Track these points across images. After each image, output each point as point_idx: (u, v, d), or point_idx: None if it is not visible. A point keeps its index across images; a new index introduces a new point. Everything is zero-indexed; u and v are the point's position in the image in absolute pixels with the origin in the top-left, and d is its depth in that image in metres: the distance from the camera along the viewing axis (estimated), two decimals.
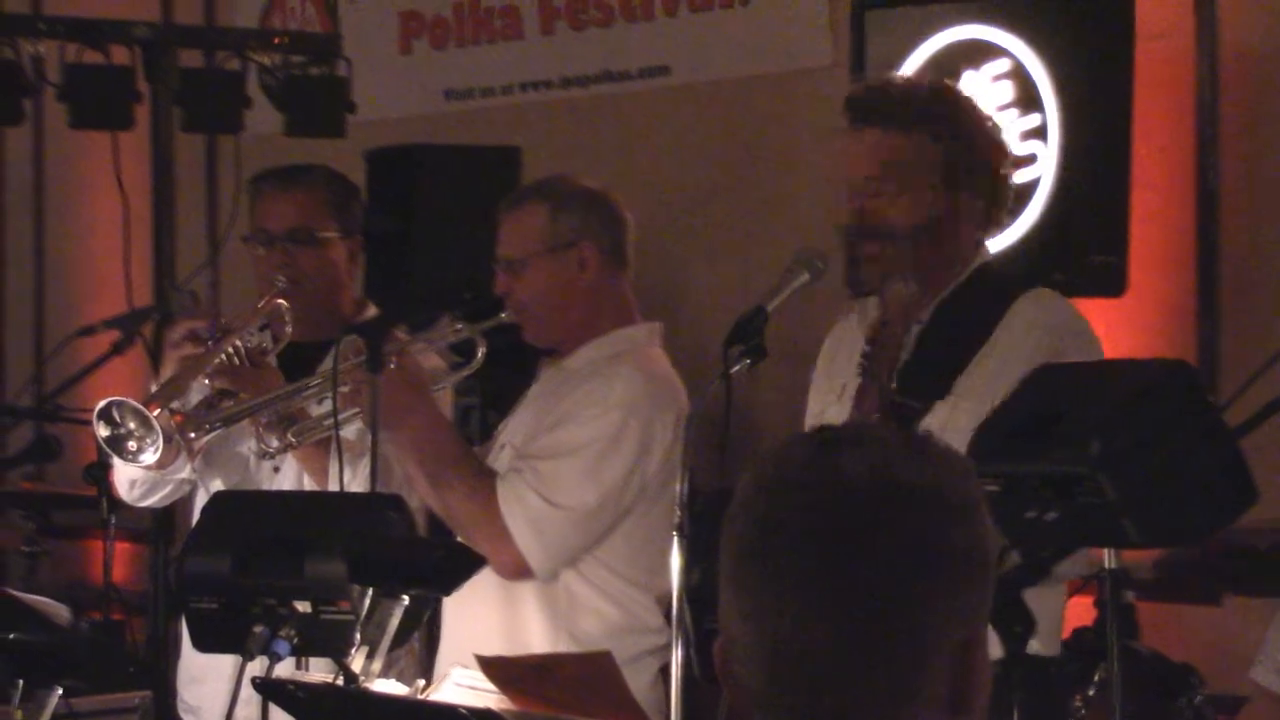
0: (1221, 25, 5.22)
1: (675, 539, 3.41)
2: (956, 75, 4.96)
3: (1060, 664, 3.62)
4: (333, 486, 3.98)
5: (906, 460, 1.83)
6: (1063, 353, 3.48)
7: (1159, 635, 4.57)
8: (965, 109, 3.70)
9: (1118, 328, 5.13)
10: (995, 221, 3.71)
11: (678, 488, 3.44)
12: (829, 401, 3.74)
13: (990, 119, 3.75)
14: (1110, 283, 4.85)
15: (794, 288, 3.63)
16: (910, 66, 5.11)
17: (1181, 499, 2.91)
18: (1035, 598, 3.27)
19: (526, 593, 4.05)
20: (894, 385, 3.63)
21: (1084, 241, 4.94)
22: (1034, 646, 3.45)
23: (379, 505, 3.50)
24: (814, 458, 1.83)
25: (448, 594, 3.45)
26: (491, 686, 3.31)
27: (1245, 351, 4.90)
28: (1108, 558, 3.69)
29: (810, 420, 3.79)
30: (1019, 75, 4.99)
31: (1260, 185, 5.20)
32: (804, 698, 1.79)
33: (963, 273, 3.67)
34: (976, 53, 5.05)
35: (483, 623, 4.04)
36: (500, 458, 4.15)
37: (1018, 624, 2.73)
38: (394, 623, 3.17)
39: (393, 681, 3.32)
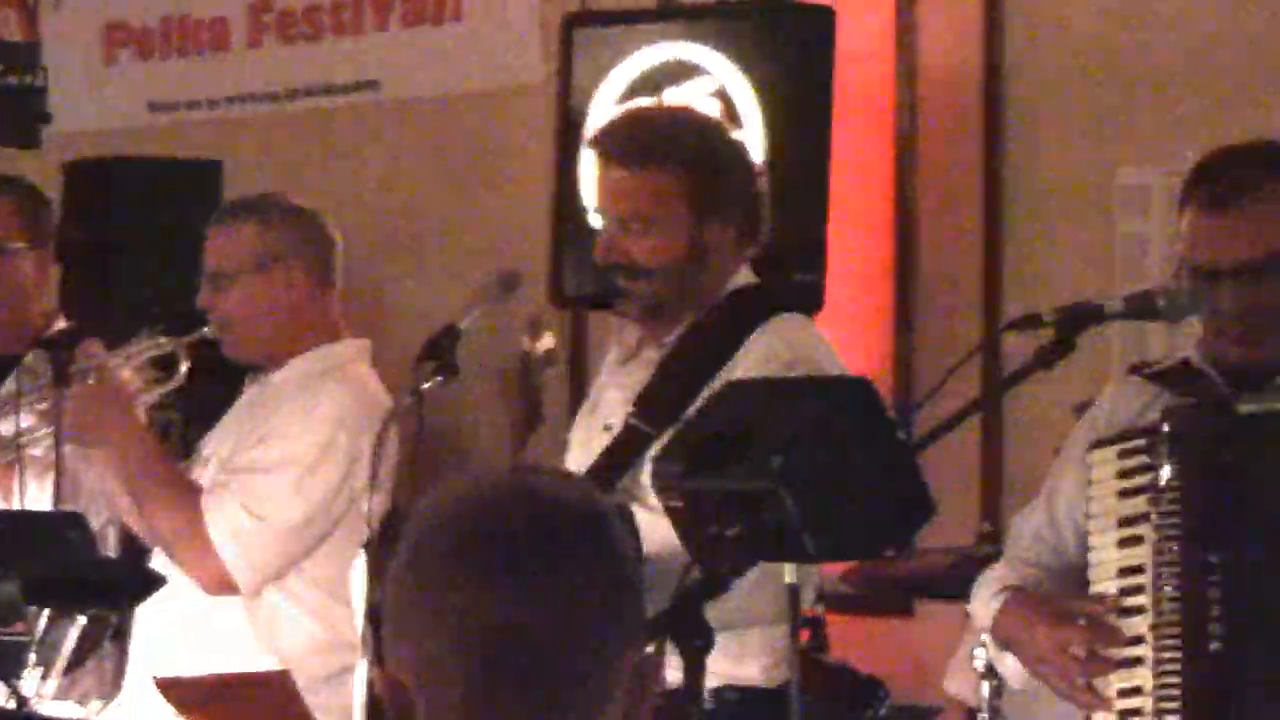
0: (921, 47, 5.33)
1: (364, 555, 3.39)
2: (660, 93, 5.00)
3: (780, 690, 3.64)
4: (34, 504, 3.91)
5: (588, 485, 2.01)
6: None
7: (852, 647, 4.65)
8: (711, 137, 3.70)
9: None
10: (753, 241, 3.70)
11: (366, 504, 3.42)
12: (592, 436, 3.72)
13: (736, 141, 3.76)
14: (810, 299, 4.91)
15: (488, 306, 3.63)
16: (616, 84, 5.14)
17: (860, 514, 2.95)
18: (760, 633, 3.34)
19: (228, 608, 4.00)
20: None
21: (784, 259, 4.99)
22: (755, 676, 3.50)
23: (58, 524, 3.44)
24: (512, 478, 1.92)
25: (126, 612, 3.39)
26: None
27: (940, 366, 5.01)
28: (788, 573, 3.74)
29: (570, 454, 3.74)
30: (722, 94, 5.04)
31: (956, 204, 5.32)
32: (511, 701, 1.84)
33: (715, 297, 3.66)
34: (681, 71, 5.09)
35: (180, 639, 3.98)
36: (204, 473, 4.11)
37: (697, 638, 2.75)
38: (69, 643, 3.11)
39: (69, 703, 3.26)
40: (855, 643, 4.88)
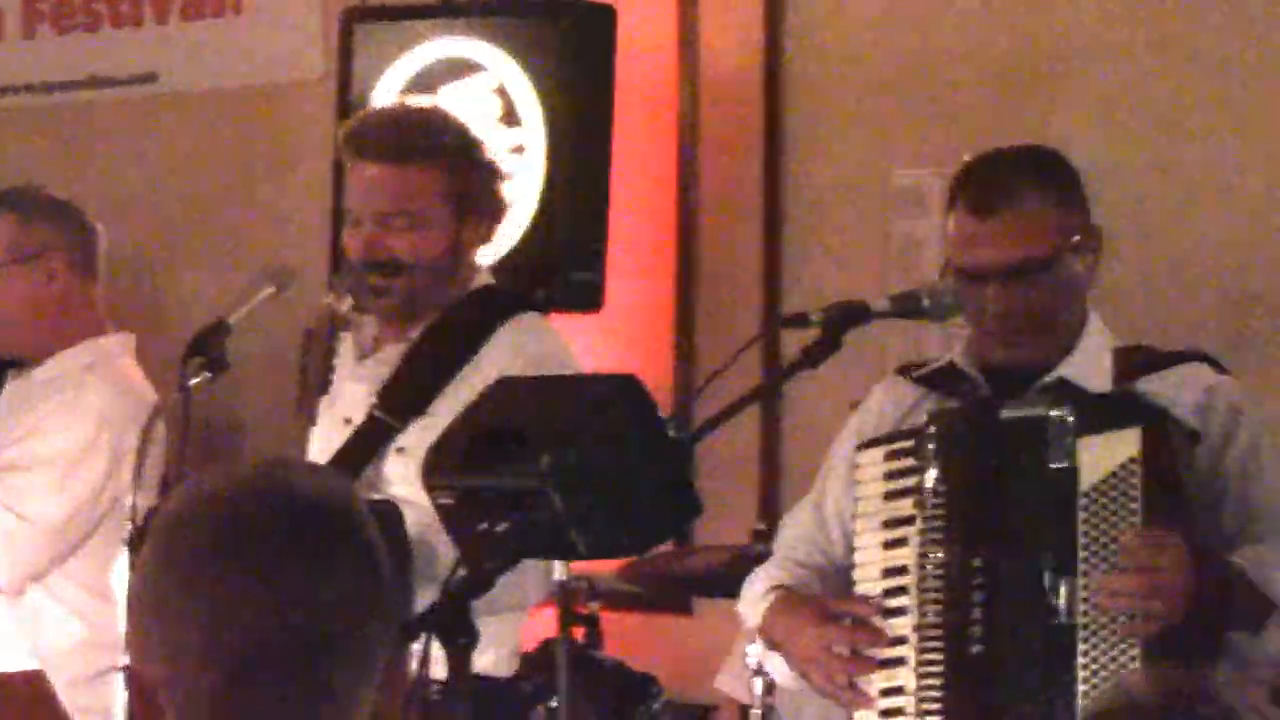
0: (703, 47, 5.36)
1: (127, 553, 3.36)
2: (439, 90, 4.98)
3: (512, 680, 3.66)
4: None
5: (342, 479, 2.04)
6: None
7: (628, 645, 4.66)
8: (467, 136, 3.70)
9: (599, 342, 5.21)
10: (491, 239, 3.72)
11: (130, 501, 3.39)
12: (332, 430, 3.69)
13: (481, 140, 3.77)
14: (589, 299, 4.92)
15: (258, 300, 3.59)
16: (395, 80, 5.10)
17: (627, 512, 2.96)
18: (497, 621, 3.32)
19: None
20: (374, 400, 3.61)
21: (565, 258, 4.99)
22: (488, 666, 3.50)
23: None
24: (265, 472, 1.94)
25: None
26: None
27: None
28: (558, 569, 3.75)
29: (311, 447, 3.72)
30: (502, 91, 5.02)
31: (737, 203, 5.35)
32: (265, 694, 1.85)
33: (460, 293, 3.66)
34: (460, 67, 5.06)
35: None
36: None
37: (461, 636, 2.74)
38: None
39: None
40: (634, 640, 4.89)
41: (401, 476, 3.52)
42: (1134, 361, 3.28)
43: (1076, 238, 3.22)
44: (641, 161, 5.30)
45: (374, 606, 1.89)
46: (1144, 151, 4.90)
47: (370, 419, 3.59)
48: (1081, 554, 3.06)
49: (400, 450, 3.56)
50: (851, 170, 5.23)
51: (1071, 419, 3.09)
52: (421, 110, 3.89)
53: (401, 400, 3.59)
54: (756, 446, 5.27)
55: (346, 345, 3.72)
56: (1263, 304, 4.82)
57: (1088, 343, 3.27)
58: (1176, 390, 3.22)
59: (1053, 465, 3.10)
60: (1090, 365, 3.25)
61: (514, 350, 3.60)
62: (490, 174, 3.68)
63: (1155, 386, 3.23)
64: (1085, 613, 3.04)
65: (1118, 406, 3.14)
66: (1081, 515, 3.06)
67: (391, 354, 3.63)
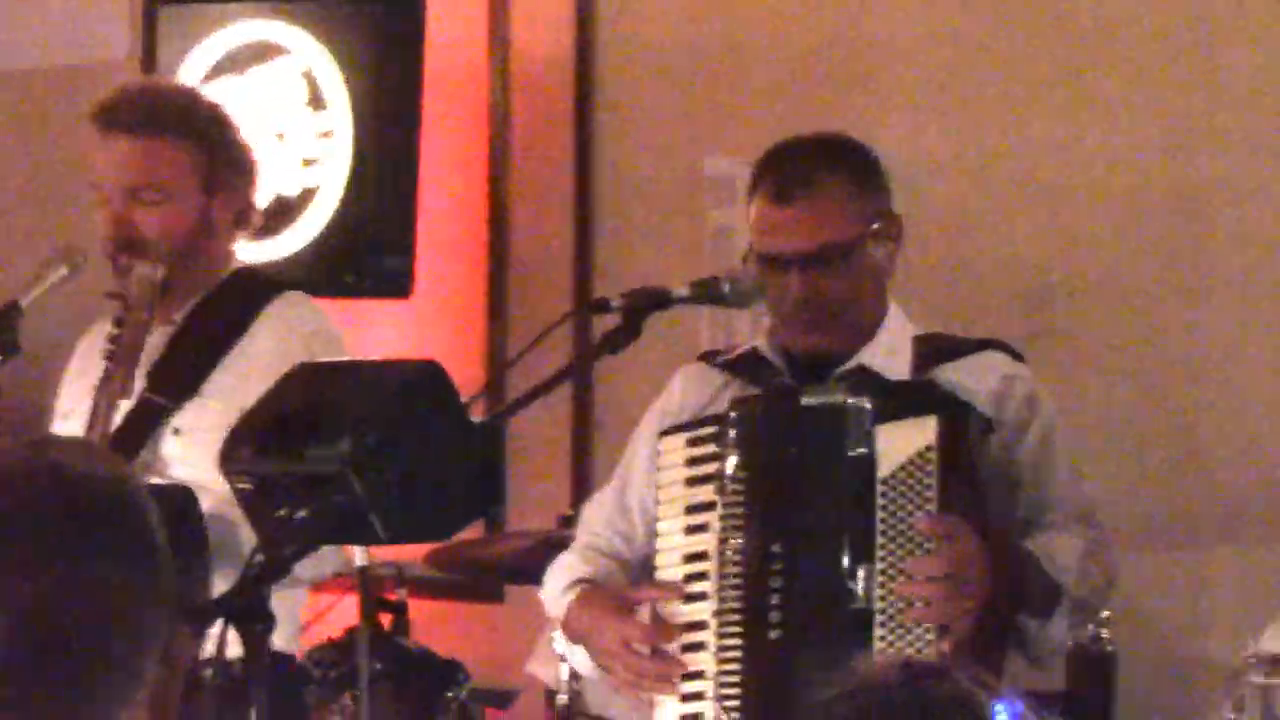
0: (514, 35, 5.35)
1: None
2: (245, 73, 4.93)
3: (307, 661, 3.64)
4: None
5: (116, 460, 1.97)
6: (314, 356, 3.49)
7: (439, 632, 4.65)
8: (219, 113, 3.67)
9: (409, 328, 5.19)
10: (251, 225, 3.68)
11: None
12: (79, 397, 3.64)
13: (235, 122, 3.73)
14: (399, 285, 4.90)
15: (51, 282, 3.54)
16: (201, 62, 5.05)
17: (428, 497, 2.94)
18: (278, 599, 3.29)
19: None
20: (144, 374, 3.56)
21: (374, 244, 4.97)
22: (275, 644, 3.47)
23: None
24: (34, 452, 1.86)
25: None
26: None
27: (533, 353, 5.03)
28: (359, 555, 3.73)
29: (58, 417, 3.69)
30: (309, 75, 4.99)
31: (549, 191, 5.34)
32: (40, 682, 1.80)
33: (219, 276, 3.64)
34: (266, 50, 5.03)
35: None
36: None
37: (258, 621, 2.71)
38: None
39: None
40: (444, 628, 4.88)
41: (180, 458, 3.49)
42: (933, 349, 3.31)
43: (876, 225, 3.23)
44: (453, 150, 5.28)
45: (149, 589, 1.85)
46: (949, 143, 4.96)
47: (142, 401, 3.55)
48: (880, 540, 3.08)
49: (176, 431, 3.53)
50: (663, 158, 5.24)
51: (869, 406, 3.11)
52: (173, 85, 3.86)
53: (172, 381, 3.56)
54: (568, 433, 5.28)
55: (97, 326, 3.69)
56: (1062, 295, 4.89)
57: (888, 330, 3.29)
58: (974, 378, 3.26)
59: (851, 453, 3.12)
60: (890, 353, 3.28)
61: (287, 327, 3.59)
62: (243, 155, 3.65)
63: (953, 374, 3.26)
64: (883, 598, 3.06)
65: (916, 395, 3.16)
66: (880, 502, 3.08)
67: (157, 337, 3.59)
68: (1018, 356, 3.34)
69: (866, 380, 3.20)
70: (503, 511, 3.63)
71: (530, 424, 5.35)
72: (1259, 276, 4.75)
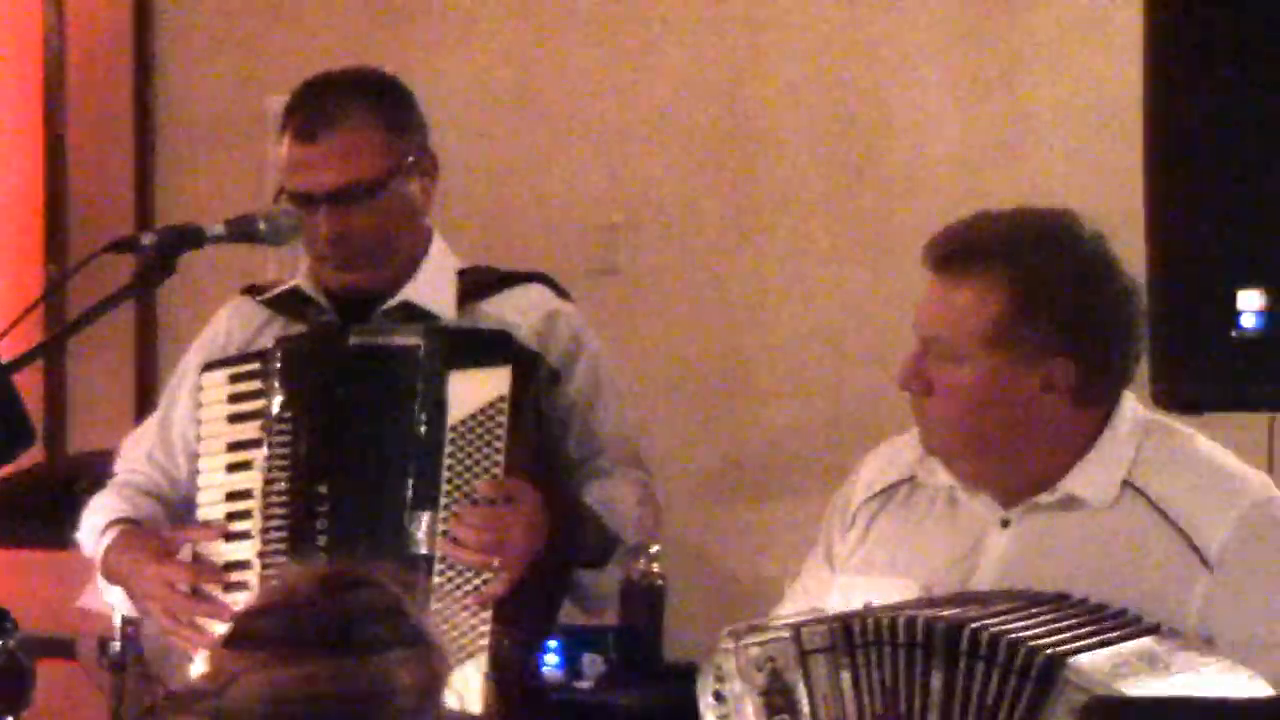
0: None
1: None
2: None
3: None
4: None
5: None
6: None
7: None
8: None
9: None
10: None
11: None
12: None
13: None
14: None
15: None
16: None
17: None
18: None
19: None
20: None
21: None
22: None
23: None
24: None
25: None
26: None
27: (94, 295, 4.94)
28: None
29: None
30: None
31: (107, 130, 5.25)
32: None
33: None
34: None
35: None
36: None
37: None
38: None
39: None
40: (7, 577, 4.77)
41: None
42: (476, 281, 3.30)
43: (410, 159, 3.21)
44: (4, 88, 5.15)
45: None
46: (511, 82, 4.99)
47: None
48: (445, 488, 3.07)
49: None
50: (224, 96, 5.18)
51: (426, 345, 3.11)
52: None
53: None
54: (131, 373, 5.21)
55: None
56: (624, 235, 4.96)
57: (430, 265, 3.26)
58: (518, 313, 3.25)
59: (418, 396, 3.10)
60: (433, 287, 3.24)
61: None
62: None
63: (498, 309, 3.25)
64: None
65: (490, 343, 3.13)
66: (448, 449, 3.07)
67: None
68: (563, 292, 3.35)
69: (437, 327, 3.16)
70: (25, 446, 3.50)
71: (92, 366, 5.27)
72: (811, 224, 4.88)
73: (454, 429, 3.08)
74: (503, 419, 3.06)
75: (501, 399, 3.07)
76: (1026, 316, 2.64)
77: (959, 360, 2.66)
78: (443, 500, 3.07)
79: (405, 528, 3.08)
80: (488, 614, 3.05)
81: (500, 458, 3.06)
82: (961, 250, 2.68)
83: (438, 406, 3.09)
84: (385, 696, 1.19)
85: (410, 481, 3.09)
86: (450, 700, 2.92)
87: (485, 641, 3.03)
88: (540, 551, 3.07)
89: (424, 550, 3.07)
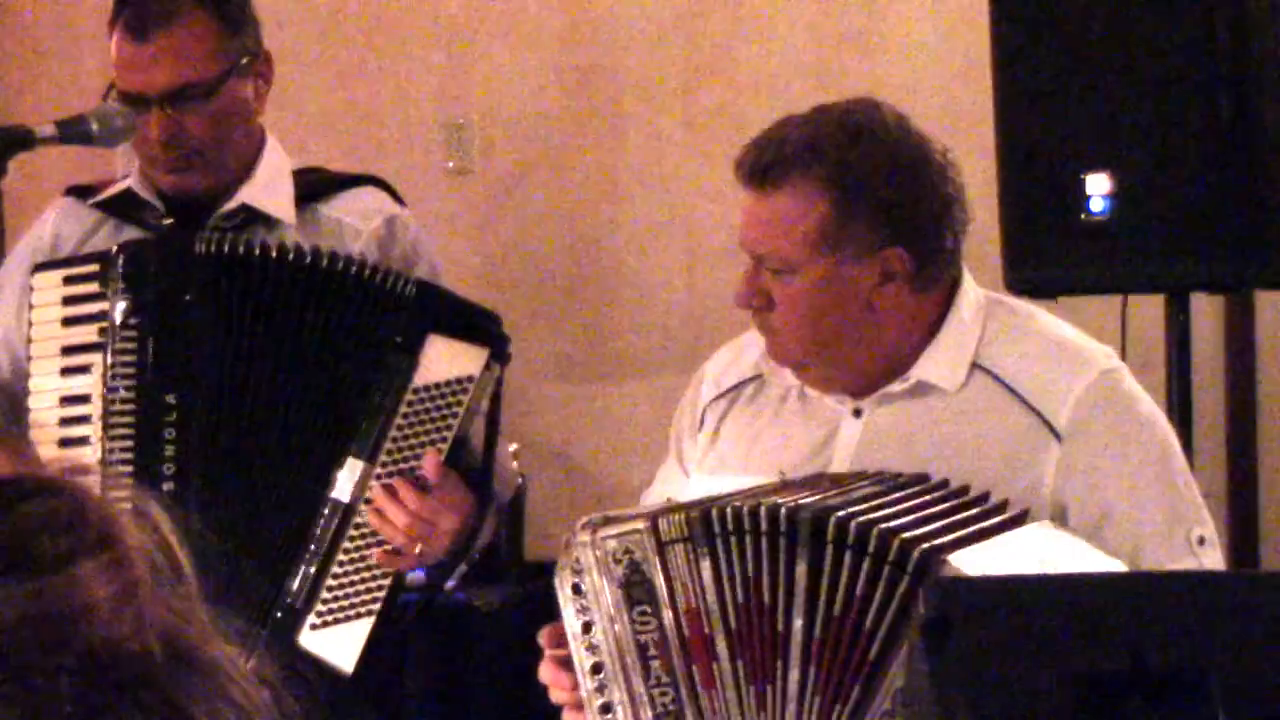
0: None
1: None
2: None
3: None
4: None
5: None
6: None
7: None
8: None
9: None
10: None
11: None
12: None
13: None
14: None
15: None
16: None
17: None
18: None
19: None
20: None
21: None
22: None
23: None
24: None
25: None
26: None
27: None
28: None
29: None
30: None
31: None
32: None
33: None
34: None
35: None
36: None
37: None
38: None
39: None
40: None
41: None
42: (311, 183, 3.26)
43: (244, 60, 3.16)
44: None
45: None
46: None
47: None
48: (388, 445, 2.99)
49: None
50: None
51: (430, 306, 3.01)
52: None
53: None
54: None
55: None
56: (475, 132, 4.95)
57: (266, 167, 3.19)
58: (359, 217, 3.20)
59: (393, 348, 2.99)
60: (271, 190, 3.19)
61: None
62: None
63: (337, 210, 3.21)
64: (368, 500, 2.99)
65: (478, 320, 3.04)
66: (403, 409, 2.98)
67: None
68: (397, 196, 3.32)
69: (433, 284, 3.07)
70: None
71: None
72: (663, 120, 4.88)
73: (415, 391, 3.00)
74: (464, 398, 2.98)
75: (470, 378, 2.98)
76: (850, 214, 2.63)
77: (794, 270, 2.65)
78: (382, 458, 3.00)
79: (328, 466, 3.00)
80: (388, 581, 3.01)
81: (450, 435, 2.99)
82: (772, 162, 2.65)
83: (410, 359, 3.01)
84: (79, 614, 1.08)
85: (349, 425, 3.00)
86: (327, 656, 2.82)
87: (379, 606, 3.00)
88: (456, 544, 3.01)
89: (345, 499, 3.00)
